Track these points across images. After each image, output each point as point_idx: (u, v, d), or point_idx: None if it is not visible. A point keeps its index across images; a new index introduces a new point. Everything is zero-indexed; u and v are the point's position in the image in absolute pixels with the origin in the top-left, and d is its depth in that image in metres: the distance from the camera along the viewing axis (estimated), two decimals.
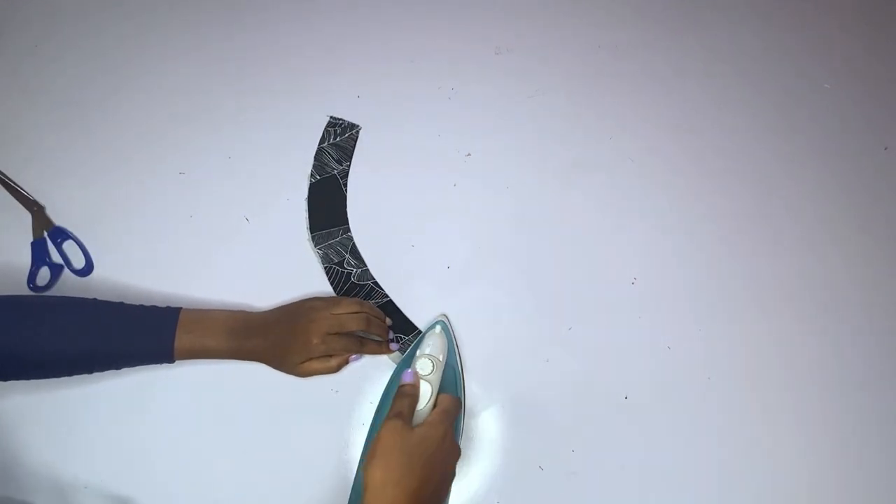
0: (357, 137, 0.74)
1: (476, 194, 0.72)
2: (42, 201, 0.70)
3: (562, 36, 0.78)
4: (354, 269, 0.69)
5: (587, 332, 0.67)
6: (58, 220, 0.70)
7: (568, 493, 0.63)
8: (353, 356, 0.63)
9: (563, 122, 0.75)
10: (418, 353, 0.61)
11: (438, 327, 0.64)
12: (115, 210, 0.70)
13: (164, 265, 0.68)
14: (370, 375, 0.65)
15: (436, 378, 0.59)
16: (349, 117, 0.74)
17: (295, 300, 0.65)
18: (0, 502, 0.61)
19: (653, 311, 0.68)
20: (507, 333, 0.67)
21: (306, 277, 0.68)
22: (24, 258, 0.68)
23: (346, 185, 0.72)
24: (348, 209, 0.71)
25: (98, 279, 0.68)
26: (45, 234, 0.69)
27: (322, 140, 0.73)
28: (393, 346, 0.65)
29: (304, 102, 0.74)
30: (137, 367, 0.61)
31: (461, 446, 0.57)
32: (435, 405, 0.57)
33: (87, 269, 0.68)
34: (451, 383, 0.63)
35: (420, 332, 0.67)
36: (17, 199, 0.70)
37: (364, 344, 0.63)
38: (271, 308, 0.65)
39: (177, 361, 0.60)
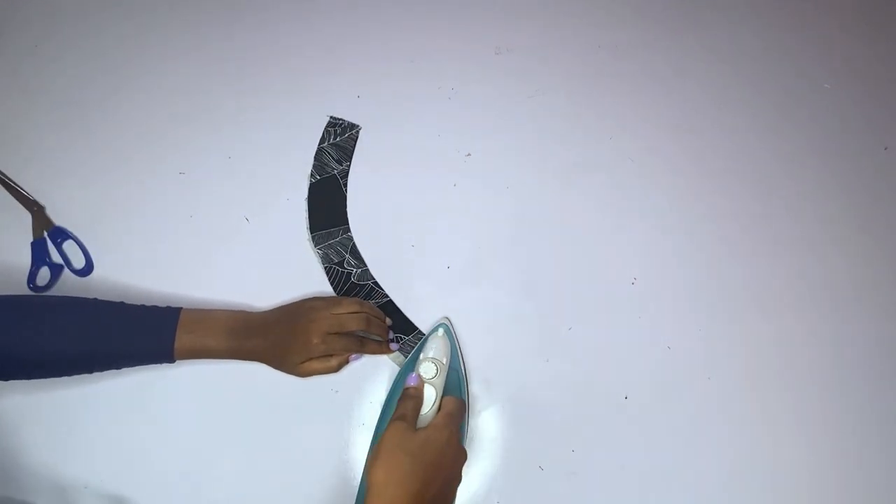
0: (357, 137, 0.74)
1: (476, 194, 0.72)
2: (42, 201, 0.70)
3: (562, 36, 0.78)
4: (354, 269, 0.69)
5: (587, 332, 0.67)
6: (58, 220, 0.70)
7: (568, 493, 0.63)
8: (354, 356, 0.63)
9: (563, 122, 0.75)
10: (421, 356, 0.61)
11: (441, 330, 0.64)
12: (115, 210, 0.70)
13: (164, 265, 0.68)
14: (370, 375, 0.65)
15: (440, 381, 0.59)
16: (349, 117, 0.74)
17: (295, 300, 0.65)
18: (0, 502, 0.61)
19: (653, 311, 0.68)
20: (507, 333, 0.67)
21: (306, 277, 0.68)
22: (24, 258, 0.68)
23: (346, 185, 0.72)
24: (348, 209, 0.71)
25: (98, 279, 0.68)
26: (45, 234, 0.69)
27: (322, 140, 0.73)
28: (393, 345, 0.65)
29: (304, 102, 0.74)
30: (137, 367, 0.61)
31: (466, 448, 0.57)
32: (439, 408, 0.57)
33: (87, 269, 0.68)
34: (455, 386, 0.63)
35: (420, 332, 0.67)
36: (17, 199, 0.70)
37: (364, 344, 0.63)
38: (271, 308, 0.65)
39: (177, 361, 0.60)
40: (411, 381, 0.58)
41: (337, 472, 0.63)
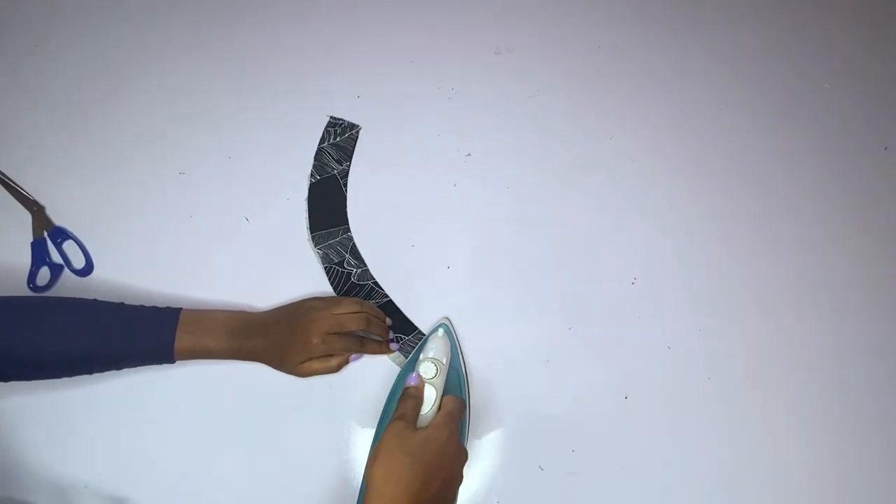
0: (357, 137, 0.74)
1: (476, 194, 0.72)
2: (42, 201, 0.70)
3: (562, 36, 0.78)
4: (354, 269, 0.69)
5: (587, 332, 0.67)
6: (58, 220, 0.70)
7: (568, 493, 0.63)
8: (354, 356, 0.63)
9: (563, 122, 0.75)
10: (421, 356, 0.61)
11: (441, 330, 0.64)
12: (115, 210, 0.70)
13: (164, 265, 0.68)
14: (370, 375, 0.65)
15: (440, 381, 0.59)
16: (349, 117, 0.74)
17: (295, 300, 0.65)
18: (1, 502, 0.61)
19: (653, 311, 0.68)
20: (507, 333, 0.67)
21: (306, 277, 0.68)
22: (24, 258, 0.68)
23: (346, 185, 0.72)
24: (348, 209, 0.71)
25: (98, 279, 0.68)
26: (45, 234, 0.69)
27: (322, 140, 0.73)
28: (393, 345, 0.65)
29: (304, 102, 0.74)
30: (137, 368, 0.61)
31: (466, 448, 0.57)
32: (440, 408, 0.57)
33: (87, 269, 0.68)
34: (456, 386, 0.63)
35: (420, 332, 0.67)
36: (17, 199, 0.70)
37: (364, 344, 0.63)
38: (271, 308, 0.65)
39: (177, 362, 0.60)
40: (411, 381, 0.58)
41: (337, 472, 0.63)
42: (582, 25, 0.78)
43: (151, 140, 0.73)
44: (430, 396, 0.58)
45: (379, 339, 0.64)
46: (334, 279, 0.69)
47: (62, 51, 0.76)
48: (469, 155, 0.73)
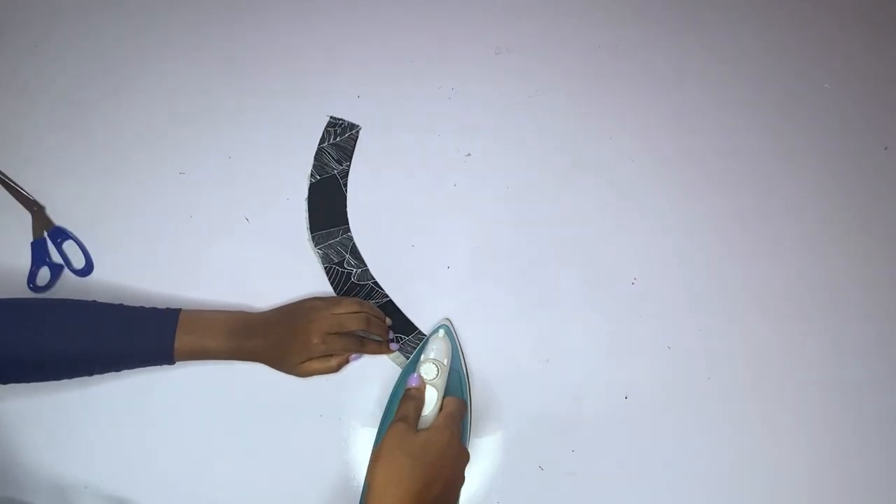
0: (357, 137, 0.74)
1: (476, 194, 0.72)
2: (42, 201, 0.70)
3: (562, 36, 0.78)
4: (354, 269, 0.69)
5: (587, 332, 0.67)
6: (58, 220, 0.70)
7: (568, 493, 0.63)
8: (353, 356, 0.63)
9: (563, 122, 0.75)
10: (423, 357, 0.61)
11: (442, 331, 0.64)
12: (115, 210, 0.70)
13: (164, 265, 0.68)
14: (370, 375, 0.65)
15: (441, 382, 0.59)
16: (349, 117, 0.74)
17: (295, 300, 0.65)
18: (1, 502, 0.61)
19: (653, 311, 0.68)
20: (507, 333, 0.67)
21: (306, 277, 0.68)
22: (24, 258, 0.68)
23: (346, 185, 0.72)
24: (348, 209, 0.71)
25: (98, 279, 0.68)
26: (45, 234, 0.69)
27: (322, 140, 0.73)
28: (393, 345, 0.65)
29: (304, 102, 0.74)
30: (137, 369, 0.61)
31: (468, 449, 0.57)
32: (441, 409, 0.57)
33: (87, 269, 0.68)
34: (457, 387, 0.63)
35: (420, 332, 0.67)
36: (17, 199, 0.70)
37: (364, 344, 0.63)
38: (271, 308, 0.65)
39: (177, 362, 0.60)
40: (412, 382, 0.58)
41: (337, 472, 0.63)
42: (582, 25, 0.78)
43: (151, 140, 0.73)
44: (432, 397, 0.57)
45: (379, 339, 0.64)
46: (334, 279, 0.69)
47: (62, 51, 0.76)
48: (469, 155, 0.73)
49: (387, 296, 0.68)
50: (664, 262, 0.70)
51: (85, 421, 0.63)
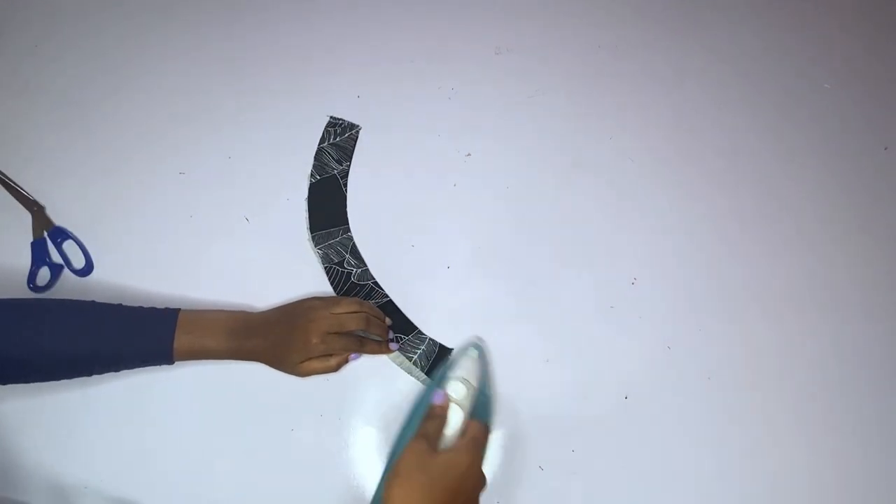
0: (357, 137, 0.74)
1: (476, 194, 0.72)
2: (42, 201, 0.70)
3: (562, 36, 0.78)
4: (354, 269, 0.69)
5: (587, 332, 0.67)
6: (58, 220, 0.70)
7: (568, 493, 0.63)
8: (353, 356, 0.63)
9: (563, 122, 0.75)
10: (451, 374, 0.59)
11: (476, 352, 0.62)
12: (115, 210, 0.70)
13: (164, 265, 0.68)
14: (370, 375, 0.65)
15: (468, 403, 0.57)
16: (349, 117, 0.74)
17: (295, 300, 0.65)
18: (1, 502, 0.61)
19: (653, 311, 0.68)
20: (507, 333, 0.67)
21: (306, 277, 0.68)
22: (24, 258, 0.68)
23: (346, 185, 0.72)
24: (348, 209, 0.71)
25: (98, 279, 0.68)
26: (45, 234, 0.69)
27: (322, 140, 0.73)
28: (393, 345, 0.65)
29: (304, 102, 0.74)
30: (137, 369, 0.61)
31: (487, 476, 0.55)
32: (464, 432, 0.55)
33: (87, 269, 0.68)
34: (482, 411, 0.61)
35: (420, 332, 0.67)
36: (17, 199, 0.70)
37: (364, 343, 0.63)
38: (271, 308, 0.65)
39: (176, 363, 0.60)
40: (437, 399, 0.56)
41: (336, 471, 0.63)
42: (582, 25, 0.78)
43: (151, 140, 0.73)
44: (456, 418, 0.55)
45: (379, 339, 0.64)
46: (334, 279, 0.69)
47: (62, 51, 0.76)
48: (469, 155, 0.73)
49: (387, 296, 0.68)
50: (664, 262, 0.70)
51: (85, 421, 0.63)
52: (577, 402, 0.65)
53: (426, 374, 0.65)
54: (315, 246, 0.70)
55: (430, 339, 0.67)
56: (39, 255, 0.68)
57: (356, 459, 0.63)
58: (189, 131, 0.73)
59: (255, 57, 0.76)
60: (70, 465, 0.62)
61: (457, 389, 0.57)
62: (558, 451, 0.64)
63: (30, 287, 0.67)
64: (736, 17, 0.79)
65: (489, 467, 0.63)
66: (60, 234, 0.69)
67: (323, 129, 0.74)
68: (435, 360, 0.66)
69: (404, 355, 0.66)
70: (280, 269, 0.69)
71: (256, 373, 0.63)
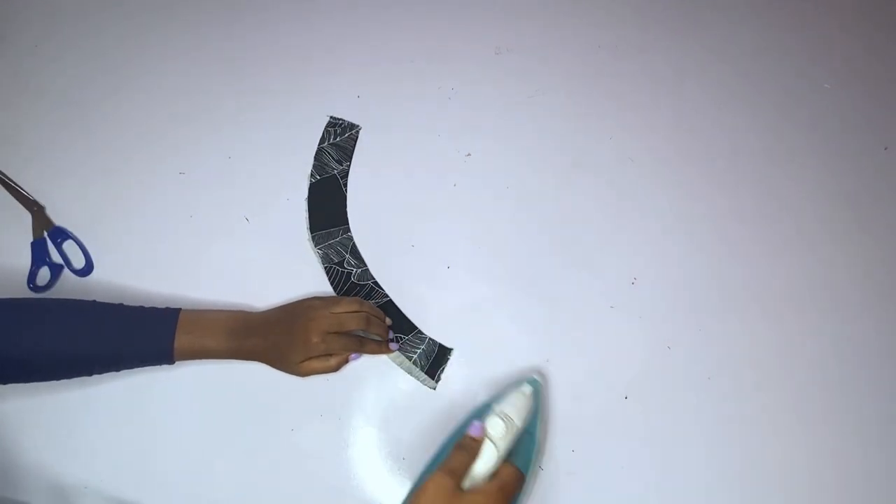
0: (357, 137, 0.74)
1: (476, 194, 0.72)
2: (42, 201, 0.70)
3: (562, 36, 0.78)
4: (354, 269, 0.69)
5: (587, 332, 0.67)
6: (58, 220, 0.70)
7: (568, 493, 0.63)
8: (353, 355, 0.63)
9: (563, 122, 0.75)
10: (495, 407, 0.55)
11: (528, 388, 0.57)
12: (115, 210, 0.70)
13: (164, 265, 0.68)
14: (370, 375, 0.65)
15: (504, 443, 0.52)
16: (349, 117, 0.74)
17: (295, 300, 0.65)
18: (1, 502, 0.61)
19: (653, 311, 0.68)
20: (507, 333, 0.67)
21: (306, 277, 0.68)
22: (24, 258, 0.68)
23: (346, 185, 0.72)
24: (348, 209, 0.71)
25: (98, 279, 0.68)
26: (45, 234, 0.69)
27: (322, 140, 0.73)
28: (393, 345, 0.65)
29: (304, 102, 0.74)
30: (137, 369, 0.61)
31: None
32: (496, 474, 0.52)
33: (87, 269, 0.68)
34: (523, 453, 0.56)
35: (420, 332, 0.67)
36: (17, 199, 0.70)
37: (364, 343, 0.63)
38: (271, 308, 0.65)
39: (177, 362, 0.60)
40: (473, 431, 0.53)
41: (336, 471, 0.63)
42: (582, 25, 0.78)
43: (151, 140, 0.73)
44: (489, 456, 0.51)
45: (379, 338, 0.64)
46: (334, 279, 0.69)
47: (62, 51, 0.76)
48: (469, 155, 0.73)
49: (387, 296, 0.68)
50: (664, 262, 0.70)
51: (85, 421, 0.63)
52: (577, 402, 0.65)
53: (426, 373, 0.65)
54: (315, 246, 0.70)
55: (430, 338, 0.67)
56: (39, 255, 0.68)
57: (356, 459, 0.63)
58: (189, 131, 0.73)
59: (255, 57, 0.76)
60: (70, 465, 0.62)
61: (495, 426, 0.52)
62: (558, 451, 0.64)
63: (30, 287, 0.67)
64: (736, 18, 0.79)
65: None
66: (60, 234, 0.69)
67: (323, 129, 0.74)
68: (435, 359, 0.66)
69: (404, 355, 0.66)
70: (280, 269, 0.69)
71: (256, 373, 0.63)
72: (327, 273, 0.69)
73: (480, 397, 0.65)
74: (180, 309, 0.61)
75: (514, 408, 0.55)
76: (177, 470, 0.63)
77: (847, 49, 0.78)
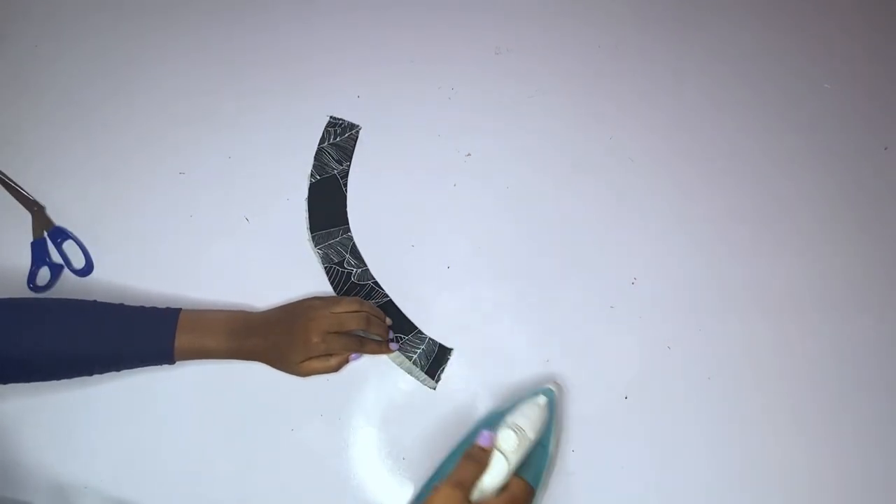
0: (357, 137, 0.74)
1: (476, 194, 0.72)
2: (42, 201, 0.70)
3: (562, 36, 0.78)
4: (354, 269, 0.69)
5: (587, 332, 0.67)
6: (58, 220, 0.70)
7: (568, 493, 0.63)
8: (353, 355, 0.63)
9: (563, 122, 0.75)
10: (508, 418, 0.53)
11: (543, 399, 0.56)
12: (115, 210, 0.70)
13: (164, 265, 0.68)
14: (370, 375, 0.65)
15: (516, 456, 0.51)
16: (349, 117, 0.74)
17: (295, 300, 0.65)
18: (1, 502, 0.61)
19: (653, 311, 0.68)
20: (507, 333, 0.67)
21: (306, 277, 0.68)
22: (24, 258, 0.68)
23: (346, 185, 0.72)
24: (348, 209, 0.71)
25: (98, 279, 0.68)
26: (45, 234, 0.69)
27: (322, 140, 0.73)
28: (393, 345, 0.65)
29: (304, 103, 0.74)
30: (137, 369, 0.61)
31: None
32: (505, 488, 0.51)
33: (87, 269, 0.68)
34: (535, 465, 0.55)
35: (420, 332, 0.67)
36: (17, 199, 0.70)
37: (364, 343, 0.63)
38: (271, 308, 0.65)
39: (177, 362, 0.60)
40: (482, 441, 0.51)
41: (337, 471, 0.63)
42: (582, 25, 0.78)
43: (152, 140, 0.73)
44: (500, 469, 0.50)
45: (379, 338, 0.64)
46: (334, 279, 0.69)
47: (62, 51, 0.76)
48: (469, 155, 0.73)
49: (387, 296, 0.68)
50: (664, 262, 0.70)
51: (85, 420, 0.63)
52: (577, 402, 0.65)
53: (426, 373, 0.65)
54: (315, 246, 0.70)
55: (430, 338, 0.67)
56: (39, 255, 0.68)
57: (356, 459, 0.63)
58: (189, 131, 0.73)
59: (256, 57, 0.76)
60: (70, 465, 0.62)
61: (507, 438, 0.51)
62: (558, 451, 0.64)
63: (30, 287, 0.67)
64: (736, 18, 0.79)
65: None
66: (60, 234, 0.69)
67: (323, 129, 0.74)
68: (435, 359, 0.66)
69: (404, 355, 0.66)
70: (280, 269, 0.69)
71: (256, 373, 0.63)
72: (327, 273, 0.69)
73: (485, 402, 0.65)
74: (180, 309, 0.61)
75: (528, 419, 0.53)
76: (177, 470, 0.63)
77: (847, 49, 0.78)
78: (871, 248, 0.71)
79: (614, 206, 0.72)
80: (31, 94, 0.74)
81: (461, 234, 0.70)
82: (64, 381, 0.60)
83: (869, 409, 0.66)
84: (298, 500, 0.62)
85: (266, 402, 0.64)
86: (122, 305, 0.60)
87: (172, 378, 0.64)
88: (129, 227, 0.70)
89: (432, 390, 0.65)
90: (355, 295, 0.68)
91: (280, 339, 0.61)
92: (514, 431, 0.51)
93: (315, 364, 0.61)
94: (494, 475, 0.50)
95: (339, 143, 0.73)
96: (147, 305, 0.62)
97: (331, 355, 0.61)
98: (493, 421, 0.56)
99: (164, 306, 0.62)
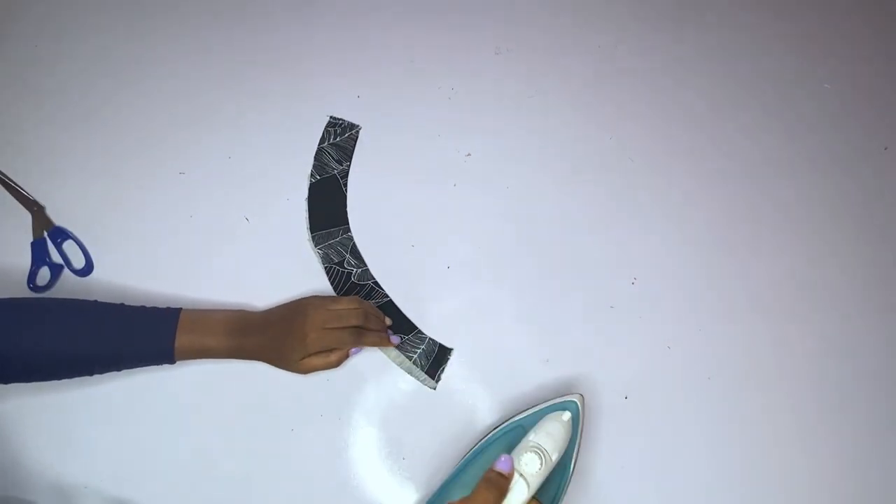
0: (357, 137, 0.74)
1: (476, 194, 0.72)
2: (42, 201, 0.70)
3: (562, 36, 0.78)
4: (354, 269, 0.69)
5: (587, 333, 0.67)
6: (58, 220, 0.70)
7: (568, 493, 0.63)
8: (354, 350, 0.63)
9: (562, 122, 0.75)
10: (531, 437, 0.51)
11: (567, 415, 0.53)
12: (115, 210, 0.70)
13: (164, 265, 0.68)
14: (371, 375, 0.65)
15: (538, 480, 0.49)
16: (349, 117, 0.74)
17: (294, 299, 0.65)
18: (1, 502, 0.61)
19: (653, 311, 0.68)
20: (507, 333, 0.67)
21: (306, 277, 0.68)
22: (24, 258, 0.68)
23: (346, 185, 0.72)
24: (348, 209, 0.71)
25: (98, 279, 0.68)
26: (45, 234, 0.69)
27: (322, 140, 0.73)
28: (394, 338, 0.65)
29: (304, 103, 0.74)
30: (137, 369, 0.61)
31: None
32: None
33: (87, 269, 0.68)
34: (553, 487, 0.53)
35: (420, 332, 0.67)
36: (17, 199, 0.70)
37: (363, 335, 0.62)
38: (271, 307, 0.65)
39: (177, 362, 0.60)
40: (503, 466, 0.49)
41: (337, 471, 0.63)
42: (582, 25, 0.78)
43: (152, 140, 0.73)
44: (519, 496, 0.48)
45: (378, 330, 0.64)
46: (334, 279, 0.69)
47: (62, 51, 0.76)
48: (469, 155, 0.73)
49: (387, 296, 0.68)
50: (664, 262, 0.70)
51: (85, 420, 0.63)
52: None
53: (426, 373, 0.65)
54: (315, 246, 0.70)
55: (430, 338, 0.67)
56: (39, 255, 0.68)
57: (356, 459, 0.63)
58: (189, 132, 0.73)
59: (256, 57, 0.76)
60: (70, 464, 0.62)
61: (530, 462, 0.49)
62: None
63: (30, 287, 0.67)
64: (735, 19, 0.79)
65: None
66: (60, 234, 0.69)
67: (323, 129, 0.74)
68: (435, 359, 0.66)
69: (404, 355, 0.66)
70: (280, 269, 0.69)
71: (257, 373, 0.63)
72: (327, 273, 0.69)
73: (485, 402, 0.65)
74: (181, 308, 0.61)
75: (552, 438, 0.51)
76: (177, 470, 0.63)
77: (847, 49, 0.78)
78: (871, 249, 0.71)
79: (614, 206, 0.72)
80: (32, 94, 0.74)
81: (461, 234, 0.70)
82: (64, 381, 0.60)
83: (869, 409, 0.66)
84: (298, 499, 0.62)
85: (266, 402, 0.64)
86: (122, 305, 0.60)
87: (172, 378, 0.64)
88: (129, 227, 0.70)
89: (432, 390, 0.65)
90: (355, 294, 0.68)
91: (280, 338, 0.61)
92: (538, 455, 0.49)
93: (315, 361, 0.61)
94: (513, 501, 0.48)
95: (339, 143, 0.73)
96: (147, 305, 0.62)
97: (331, 351, 0.61)
98: (513, 433, 0.54)
99: (164, 306, 0.62)
